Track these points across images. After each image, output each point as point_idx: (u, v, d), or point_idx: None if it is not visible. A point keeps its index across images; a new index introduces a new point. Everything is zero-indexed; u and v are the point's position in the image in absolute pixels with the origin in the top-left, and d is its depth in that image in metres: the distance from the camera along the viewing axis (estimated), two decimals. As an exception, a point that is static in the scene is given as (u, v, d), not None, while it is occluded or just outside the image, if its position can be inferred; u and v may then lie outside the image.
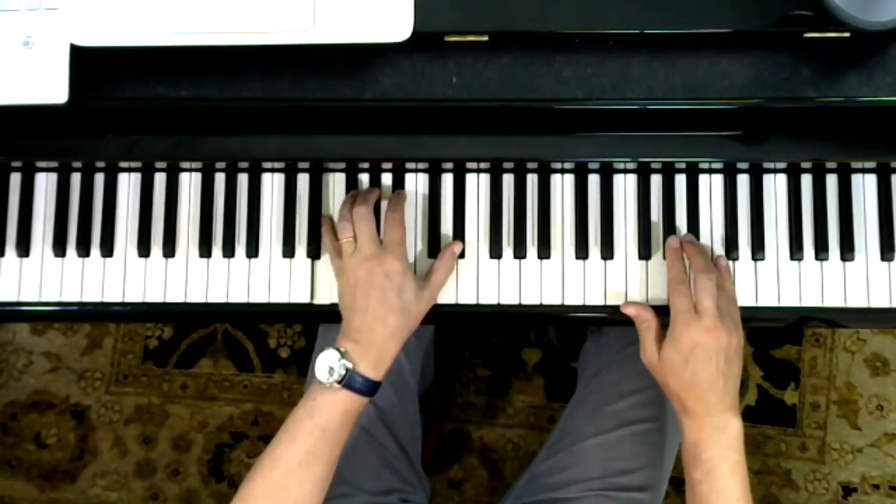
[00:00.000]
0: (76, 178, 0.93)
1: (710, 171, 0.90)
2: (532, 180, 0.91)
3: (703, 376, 0.79)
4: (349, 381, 0.79)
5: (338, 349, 0.80)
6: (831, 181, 0.89)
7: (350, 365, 0.80)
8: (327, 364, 0.79)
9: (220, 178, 0.92)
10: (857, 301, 0.88)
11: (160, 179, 0.92)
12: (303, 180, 0.92)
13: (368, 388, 0.81)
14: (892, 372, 1.49)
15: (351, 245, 0.84)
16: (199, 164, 0.92)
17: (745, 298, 0.88)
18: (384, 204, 0.91)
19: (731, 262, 0.89)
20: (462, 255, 0.90)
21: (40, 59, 0.78)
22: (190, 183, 0.92)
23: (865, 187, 0.89)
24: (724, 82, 0.79)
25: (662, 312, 0.86)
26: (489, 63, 0.80)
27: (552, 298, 0.89)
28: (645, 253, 0.89)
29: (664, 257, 0.89)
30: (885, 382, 1.49)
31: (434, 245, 0.90)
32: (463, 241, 0.90)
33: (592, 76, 0.80)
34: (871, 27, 0.72)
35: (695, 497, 0.80)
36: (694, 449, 0.80)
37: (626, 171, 0.90)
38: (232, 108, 0.83)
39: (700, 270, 0.83)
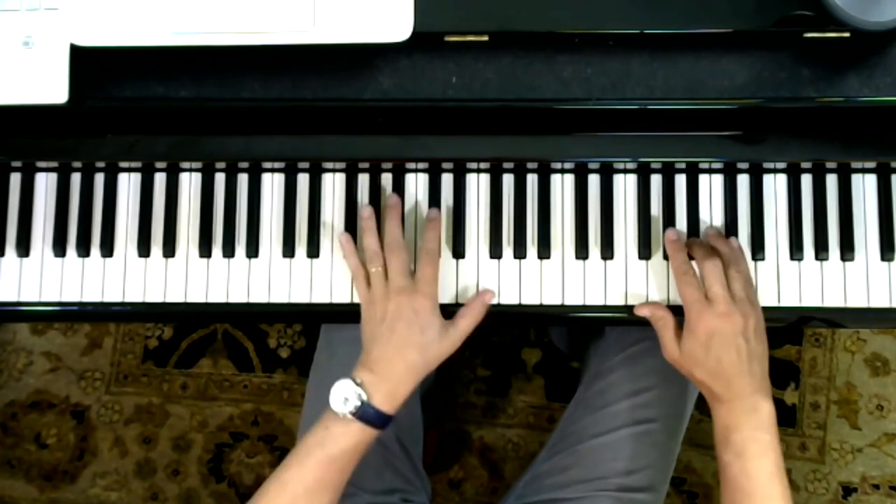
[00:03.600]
0: (76, 178, 0.92)
1: (710, 171, 0.90)
2: (532, 180, 0.91)
3: (726, 362, 0.79)
4: (362, 412, 0.80)
5: (354, 379, 0.81)
6: (831, 181, 0.89)
7: (365, 396, 0.80)
8: (342, 394, 0.80)
9: (220, 178, 0.92)
10: (857, 301, 0.88)
11: (160, 179, 0.92)
12: (303, 180, 0.92)
13: (380, 421, 0.81)
14: (892, 372, 1.49)
15: (380, 276, 0.84)
16: (199, 164, 0.92)
17: (745, 298, 0.88)
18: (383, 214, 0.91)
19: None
20: (462, 255, 0.90)
21: (40, 59, 0.78)
22: (190, 183, 0.92)
23: (865, 187, 0.89)
24: (724, 82, 0.79)
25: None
26: (489, 63, 0.80)
27: (552, 298, 0.89)
28: (645, 253, 0.89)
29: (664, 257, 0.89)
30: (885, 382, 1.49)
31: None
32: (463, 241, 0.90)
33: (592, 76, 0.80)
34: (871, 27, 0.72)
35: (726, 480, 0.79)
36: (724, 432, 0.79)
37: (626, 171, 0.90)
38: (232, 108, 0.83)
39: (704, 258, 0.84)
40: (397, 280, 0.84)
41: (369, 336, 0.84)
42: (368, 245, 0.87)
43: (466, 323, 0.86)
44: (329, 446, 0.80)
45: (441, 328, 0.84)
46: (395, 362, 0.82)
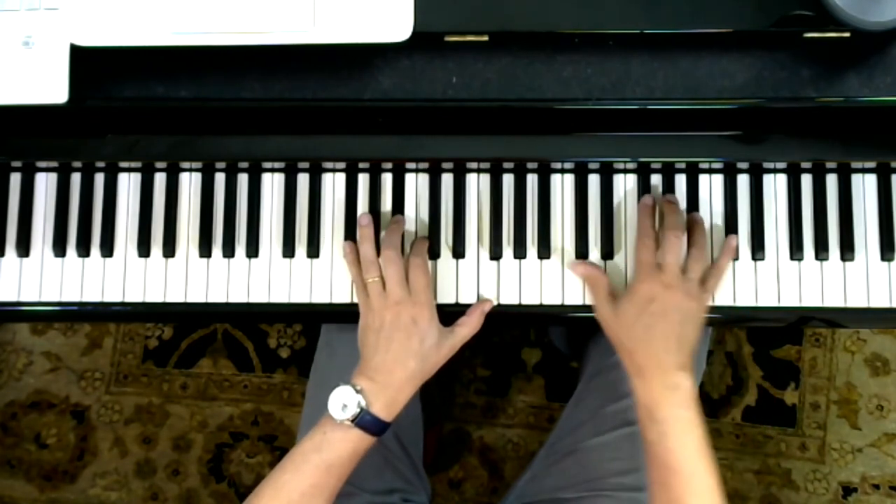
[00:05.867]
0: (76, 178, 0.93)
1: (710, 171, 0.90)
2: (532, 180, 0.91)
3: (657, 332, 0.79)
4: (361, 419, 0.80)
5: (353, 386, 0.81)
6: (831, 181, 0.89)
7: (364, 404, 0.80)
8: (341, 400, 0.80)
9: (220, 178, 0.92)
10: (857, 301, 0.88)
11: (160, 179, 0.92)
12: (303, 180, 0.92)
13: (378, 429, 0.81)
14: (892, 372, 1.49)
15: (377, 286, 0.85)
16: (199, 164, 0.92)
17: (745, 298, 0.89)
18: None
19: (731, 262, 0.89)
20: (462, 255, 0.90)
21: (40, 59, 0.78)
22: (190, 183, 0.92)
23: (865, 187, 0.89)
24: (724, 82, 0.79)
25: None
26: (489, 63, 0.80)
27: (552, 298, 0.89)
28: (645, 253, 0.89)
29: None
30: (885, 382, 1.49)
31: (434, 246, 0.90)
32: (463, 241, 0.90)
33: (592, 76, 0.80)
34: (871, 27, 0.72)
35: (652, 458, 0.79)
36: (647, 410, 0.79)
37: (626, 171, 0.90)
38: (232, 108, 0.83)
39: (669, 227, 0.84)
40: (395, 290, 0.84)
41: (368, 343, 0.84)
42: (365, 254, 0.87)
43: (465, 332, 0.87)
44: (326, 452, 0.80)
45: (439, 336, 0.84)
46: (395, 371, 0.82)
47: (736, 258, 0.89)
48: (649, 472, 0.79)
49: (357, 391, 0.81)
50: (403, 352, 0.82)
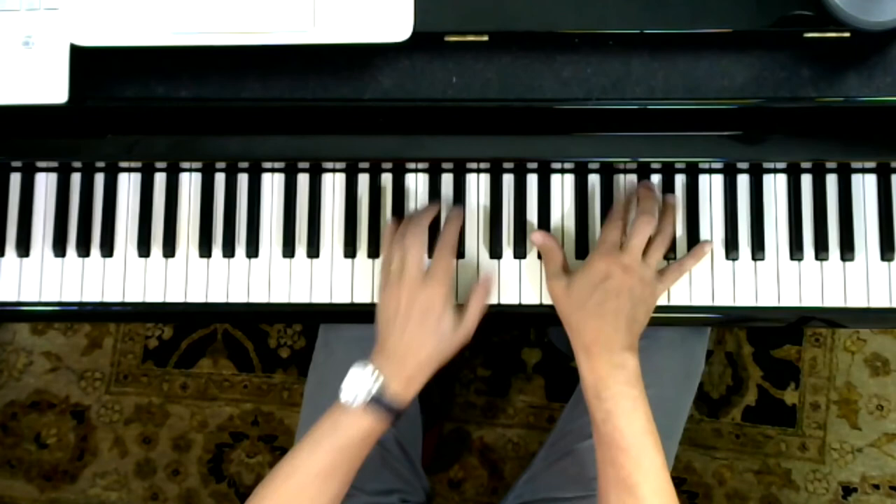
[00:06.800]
0: (76, 178, 0.93)
1: (710, 171, 0.90)
2: (532, 180, 0.91)
3: (608, 308, 0.80)
4: (377, 401, 0.80)
5: (369, 367, 0.81)
6: (831, 181, 0.89)
7: (380, 384, 0.80)
8: (357, 380, 0.80)
9: (220, 178, 0.92)
10: (857, 301, 0.88)
11: (160, 179, 0.92)
12: (303, 180, 0.92)
13: (393, 411, 0.81)
14: (892, 372, 1.49)
15: (400, 264, 0.85)
16: (199, 164, 0.92)
17: (745, 298, 0.89)
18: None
19: (731, 262, 0.89)
20: (462, 255, 0.90)
21: (40, 59, 0.78)
22: (190, 183, 0.92)
23: (865, 187, 0.89)
24: (724, 82, 0.79)
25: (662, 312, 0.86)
26: (489, 63, 0.80)
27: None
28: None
29: (665, 257, 0.88)
30: (885, 382, 1.49)
31: (434, 245, 0.90)
32: (463, 241, 0.90)
33: (592, 76, 0.79)
34: (871, 27, 0.72)
35: (600, 436, 0.79)
36: (594, 389, 0.79)
37: (625, 171, 0.90)
38: (232, 108, 0.83)
39: (643, 212, 0.85)
40: (412, 270, 0.83)
41: (386, 321, 0.83)
42: (402, 231, 0.86)
43: (475, 307, 0.86)
44: (341, 434, 0.80)
45: (455, 318, 0.84)
46: (412, 351, 0.82)
47: (736, 258, 0.89)
48: (598, 451, 0.79)
49: (373, 372, 0.80)
50: (420, 333, 0.82)
